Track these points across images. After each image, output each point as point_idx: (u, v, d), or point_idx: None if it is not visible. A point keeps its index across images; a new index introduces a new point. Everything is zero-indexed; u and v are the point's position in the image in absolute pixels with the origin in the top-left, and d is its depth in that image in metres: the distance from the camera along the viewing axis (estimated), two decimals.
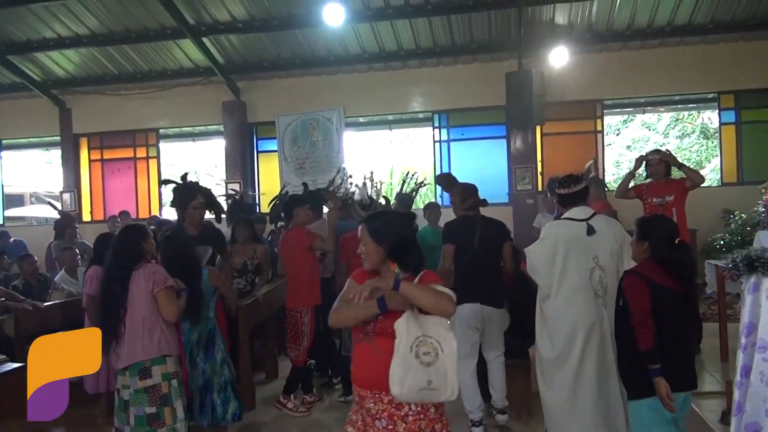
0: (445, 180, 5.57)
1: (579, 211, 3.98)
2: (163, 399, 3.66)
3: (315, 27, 10.22)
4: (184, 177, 5.33)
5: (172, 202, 5.18)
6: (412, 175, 8.04)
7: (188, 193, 5.06)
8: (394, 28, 10.45)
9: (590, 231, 3.86)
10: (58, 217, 10.22)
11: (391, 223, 2.82)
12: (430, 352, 2.48)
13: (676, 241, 3.10)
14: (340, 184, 6.76)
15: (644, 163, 6.27)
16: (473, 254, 4.81)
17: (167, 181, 5.22)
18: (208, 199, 5.26)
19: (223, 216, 6.06)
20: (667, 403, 2.86)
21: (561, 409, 3.92)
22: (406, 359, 2.47)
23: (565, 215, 4.04)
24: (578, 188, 4.02)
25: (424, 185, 8.48)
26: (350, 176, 7.44)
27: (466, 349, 4.87)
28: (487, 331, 4.95)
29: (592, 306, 3.79)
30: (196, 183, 5.32)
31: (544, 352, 4.00)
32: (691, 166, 7.17)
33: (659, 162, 6.21)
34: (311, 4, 9.72)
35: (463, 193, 5.06)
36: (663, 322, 2.92)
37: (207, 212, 5.39)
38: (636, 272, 3.13)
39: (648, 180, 6.43)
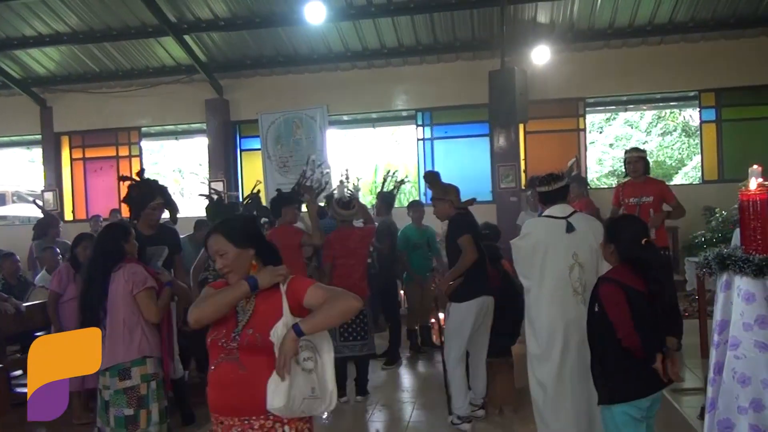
0: (436, 178, 5.48)
1: (559, 209, 4.03)
2: (140, 401, 3.63)
3: (297, 25, 10.19)
4: (140, 174, 5.13)
5: (127, 199, 4.88)
6: (393, 173, 8.02)
7: (147, 193, 4.85)
8: (377, 26, 10.45)
9: (570, 228, 3.91)
10: (41, 216, 10.13)
11: (246, 223, 2.61)
12: (311, 357, 2.33)
13: (643, 242, 3.11)
14: (311, 175, 6.64)
15: (623, 161, 6.27)
16: (478, 249, 4.92)
17: (125, 178, 5.07)
18: (166, 199, 5.06)
19: (178, 216, 5.91)
20: (672, 374, 2.91)
21: (546, 404, 3.96)
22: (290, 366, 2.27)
23: (545, 213, 4.10)
24: (558, 186, 4.08)
25: (405, 183, 8.46)
26: (319, 165, 7.20)
27: (462, 344, 4.94)
28: (484, 323, 5.03)
29: (571, 303, 3.83)
30: (156, 182, 5.14)
31: (531, 347, 4.05)
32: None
33: (637, 159, 6.08)
34: (293, 2, 9.69)
35: (457, 192, 5.12)
36: (641, 325, 2.94)
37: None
38: (610, 279, 3.11)
39: (626, 179, 6.34)
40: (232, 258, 2.43)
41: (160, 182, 5.13)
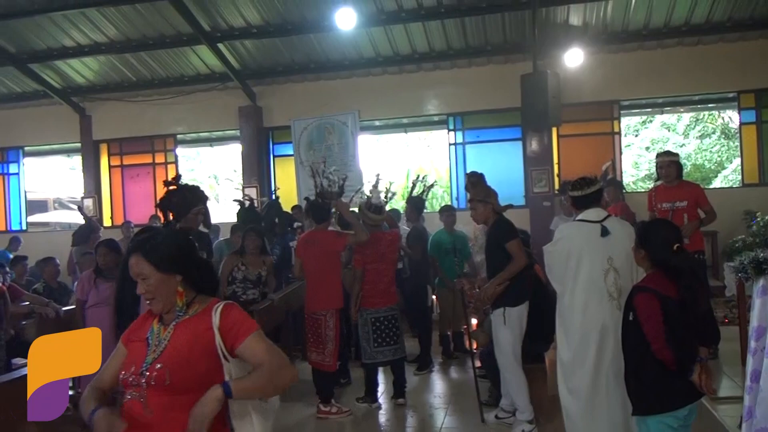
0: (480, 180, 5.22)
1: (593, 213, 3.98)
2: None
3: (329, 31, 10.26)
4: (178, 179, 4.94)
5: (166, 203, 4.69)
6: (423, 177, 7.97)
7: (191, 198, 4.81)
8: (408, 31, 10.46)
9: (604, 232, 3.86)
10: (82, 222, 10.39)
11: (173, 244, 2.18)
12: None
13: (675, 247, 3.05)
14: (320, 181, 6.41)
15: (655, 165, 6.14)
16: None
17: (170, 183, 5.07)
18: (206, 205, 5.01)
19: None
20: (707, 387, 2.86)
21: (580, 413, 3.88)
22: (259, 406, 2.12)
23: (579, 217, 4.04)
24: (592, 190, 4.03)
25: (434, 186, 8.37)
26: (322, 167, 6.73)
27: (519, 347, 4.89)
28: None
29: (606, 308, 3.76)
30: (198, 187, 5.09)
31: (562, 354, 3.99)
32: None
33: (669, 164, 5.90)
34: (325, 9, 9.76)
35: (497, 197, 5.09)
36: (676, 334, 2.89)
37: None
38: (645, 288, 3.04)
39: (659, 182, 6.16)
40: (154, 284, 2.10)
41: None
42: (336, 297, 5.63)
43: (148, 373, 2.03)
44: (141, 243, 2.17)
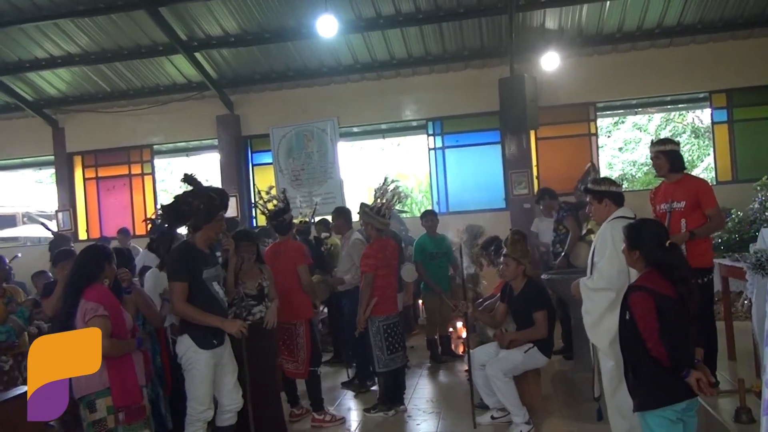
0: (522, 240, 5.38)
1: (627, 210, 4.06)
2: None
3: (307, 39, 10.26)
4: (191, 180, 4.30)
5: (192, 211, 4.15)
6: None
7: (217, 202, 4.17)
8: (386, 38, 10.50)
9: None
10: (52, 237, 10.15)
11: None
12: None
13: (667, 244, 3.11)
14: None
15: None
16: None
17: (191, 180, 4.26)
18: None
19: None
20: (705, 389, 2.90)
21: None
22: None
23: (619, 214, 4.03)
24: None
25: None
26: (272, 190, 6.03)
27: None
28: None
29: None
30: (222, 189, 4.45)
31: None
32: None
33: (656, 155, 4.88)
34: (303, 17, 9.75)
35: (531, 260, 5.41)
36: (670, 332, 2.94)
37: None
38: (640, 287, 3.09)
39: (661, 180, 5.13)
40: None
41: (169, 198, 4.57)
42: (305, 307, 5.57)
43: None
44: None
